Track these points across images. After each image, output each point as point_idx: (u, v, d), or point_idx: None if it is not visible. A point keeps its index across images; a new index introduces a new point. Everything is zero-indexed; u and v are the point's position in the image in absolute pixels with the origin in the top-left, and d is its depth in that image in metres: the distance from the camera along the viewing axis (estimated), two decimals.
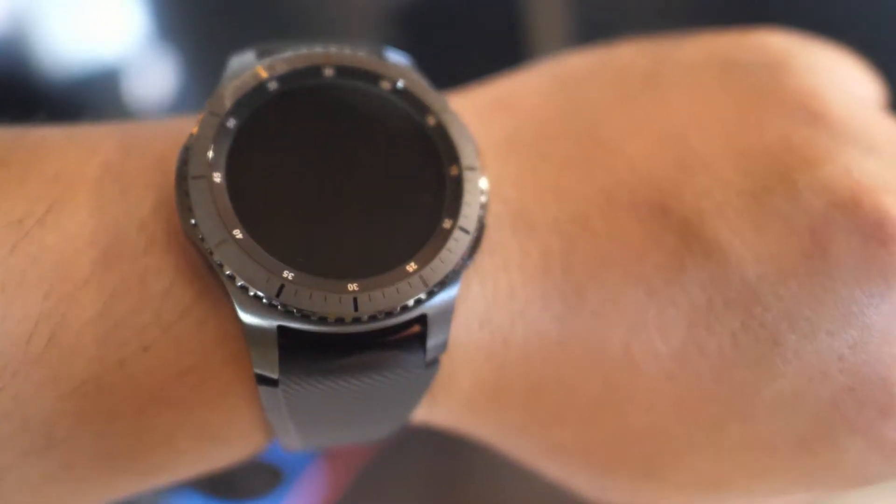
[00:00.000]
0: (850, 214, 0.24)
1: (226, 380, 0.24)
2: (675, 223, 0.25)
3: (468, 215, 0.24)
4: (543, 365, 0.26)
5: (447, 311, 0.24)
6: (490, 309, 0.25)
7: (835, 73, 0.28)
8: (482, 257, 0.26)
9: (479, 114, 0.28)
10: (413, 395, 0.25)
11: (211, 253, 0.22)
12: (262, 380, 0.23)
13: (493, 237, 0.26)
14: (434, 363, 0.25)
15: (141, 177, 0.24)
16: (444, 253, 0.24)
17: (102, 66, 0.60)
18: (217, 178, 0.23)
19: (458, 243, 0.24)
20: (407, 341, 0.24)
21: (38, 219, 0.23)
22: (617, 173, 0.26)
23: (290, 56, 0.25)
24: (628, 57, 0.30)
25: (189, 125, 0.26)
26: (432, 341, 0.24)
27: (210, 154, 0.23)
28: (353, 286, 0.23)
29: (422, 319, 0.24)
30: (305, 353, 0.23)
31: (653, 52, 0.30)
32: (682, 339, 0.25)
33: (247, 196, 0.23)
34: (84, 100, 0.59)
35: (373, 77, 0.25)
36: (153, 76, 0.60)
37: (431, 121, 0.25)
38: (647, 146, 0.27)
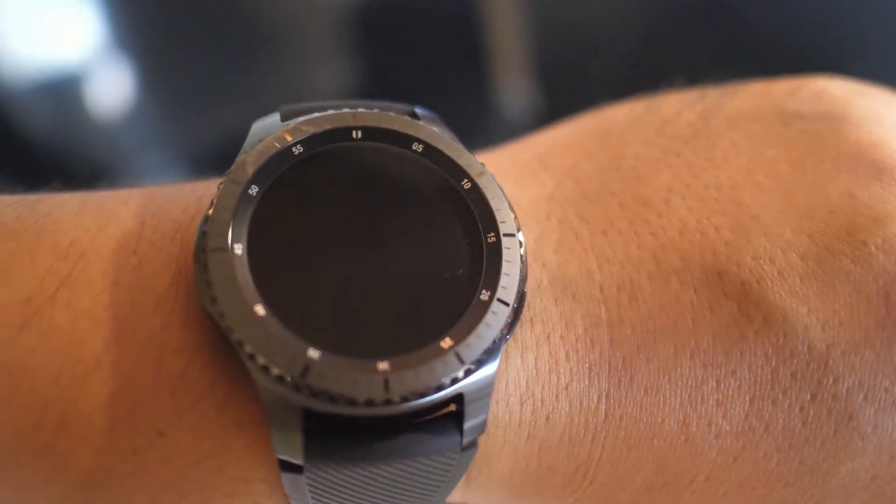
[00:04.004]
0: None
1: (247, 466, 0.22)
2: (732, 290, 0.24)
3: (507, 286, 0.22)
4: (591, 444, 0.24)
5: (485, 390, 0.22)
6: (532, 383, 0.24)
7: None
8: (523, 328, 0.24)
9: (517, 174, 0.27)
10: (448, 481, 0.23)
11: (231, 330, 0.21)
12: (286, 466, 0.22)
13: (534, 305, 0.24)
14: (471, 446, 0.23)
15: (157, 248, 0.23)
16: (481, 327, 0.22)
17: (62, 72, 0.60)
18: (238, 250, 0.21)
19: (496, 317, 0.22)
20: (442, 423, 0.22)
21: (50, 295, 0.22)
22: (666, 236, 0.25)
23: (316, 118, 0.23)
24: (673, 109, 0.28)
25: (209, 189, 0.25)
26: (469, 423, 0.22)
27: (230, 225, 0.22)
28: (383, 365, 0.21)
29: (458, 398, 0.22)
30: (332, 437, 0.21)
31: (699, 104, 0.28)
32: (744, 414, 0.24)
33: (269, 269, 0.22)
34: (44, 106, 0.58)
35: (403, 139, 0.24)
36: (113, 82, 0.60)
37: (466, 185, 0.23)
38: (696, 206, 0.25)
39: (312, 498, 0.22)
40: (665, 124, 0.28)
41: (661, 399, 0.24)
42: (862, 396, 0.23)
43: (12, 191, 0.25)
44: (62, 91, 0.58)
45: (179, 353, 0.22)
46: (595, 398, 0.24)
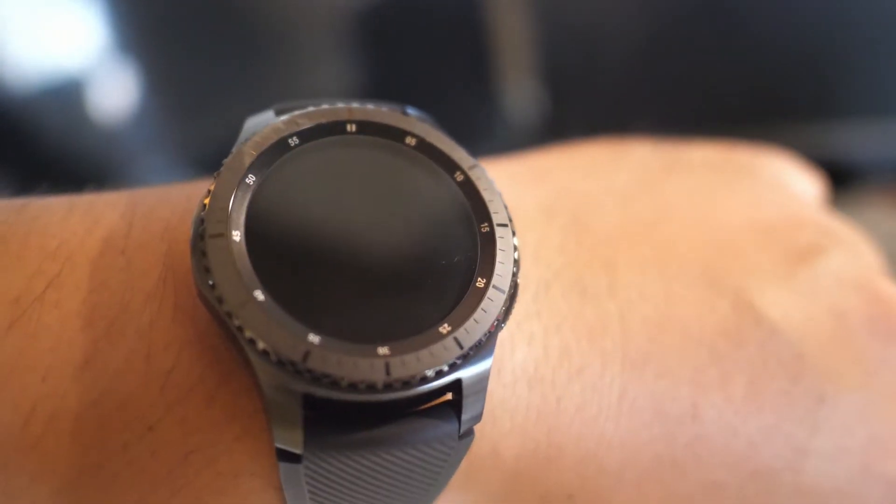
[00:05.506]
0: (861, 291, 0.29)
1: (237, 459, 0.22)
2: (726, 292, 0.27)
3: (502, 274, 0.23)
4: (604, 424, 0.25)
5: (483, 376, 0.22)
6: (541, 368, 0.25)
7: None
8: (529, 320, 0.25)
9: (513, 181, 0.28)
10: (445, 471, 0.23)
11: (230, 315, 0.21)
12: (284, 455, 0.21)
13: (541, 300, 0.25)
14: (468, 434, 0.23)
15: (146, 248, 0.23)
16: (478, 313, 0.22)
17: (65, 76, 0.59)
18: (236, 236, 0.21)
19: (492, 303, 0.22)
20: (439, 411, 0.22)
21: (37, 296, 0.22)
22: (662, 248, 0.28)
23: (312, 111, 0.24)
24: (645, 152, 0.32)
25: (199, 188, 0.25)
26: (467, 410, 0.22)
27: (228, 212, 0.22)
28: (383, 350, 0.21)
29: (455, 387, 0.22)
30: (331, 425, 0.21)
31: (665, 149, 0.33)
32: (742, 395, 0.26)
33: (267, 256, 0.22)
34: (47, 110, 0.58)
35: (397, 133, 0.24)
36: (116, 85, 0.59)
37: (459, 177, 0.24)
38: (679, 228, 0.29)
39: (309, 489, 0.22)
40: (641, 162, 0.32)
41: (672, 383, 0.26)
42: (828, 381, 0.27)
43: (6, 194, 0.25)
44: (65, 95, 0.58)
45: (168, 348, 0.22)
46: (608, 381, 0.25)
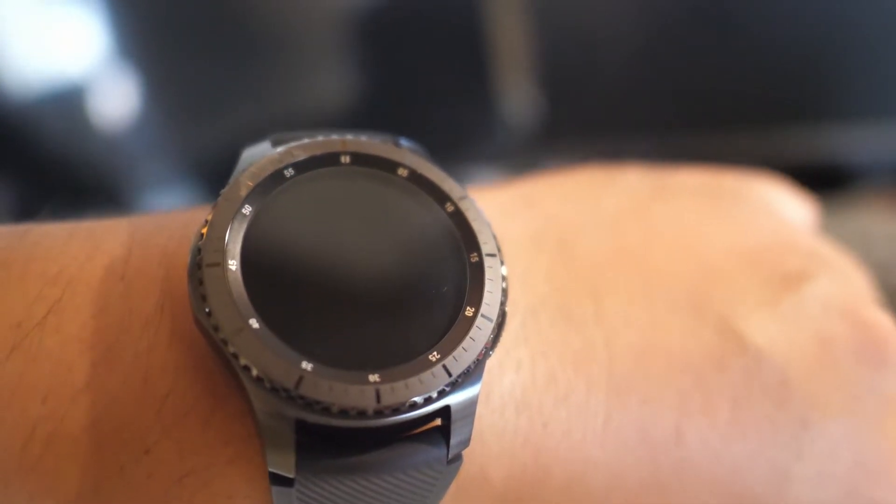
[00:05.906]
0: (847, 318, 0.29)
1: (231, 482, 0.23)
2: (711, 318, 0.28)
3: (490, 303, 0.24)
4: (590, 448, 0.26)
5: (471, 402, 0.23)
6: (528, 394, 0.25)
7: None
8: (517, 347, 0.25)
9: (502, 209, 0.29)
10: (434, 494, 0.24)
11: (225, 342, 0.21)
12: (277, 479, 0.22)
13: (529, 327, 0.26)
14: (457, 459, 0.23)
15: (144, 274, 0.24)
16: (467, 341, 0.23)
17: (65, 83, 0.60)
18: (232, 265, 0.22)
19: (480, 331, 0.23)
20: (428, 436, 0.23)
21: (39, 321, 0.23)
22: (649, 274, 0.28)
23: (307, 143, 0.25)
24: (632, 179, 0.33)
25: (196, 216, 0.26)
26: (456, 435, 0.23)
27: (225, 242, 0.22)
28: (374, 377, 0.22)
29: (444, 413, 0.23)
30: (323, 450, 0.22)
31: (654, 175, 0.33)
32: (726, 421, 0.27)
33: (262, 285, 0.22)
34: (48, 117, 0.58)
35: (389, 164, 0.25)
36: (117, 92, 0.60)
37: (449, 208, 0.25)
38: (666, 255, 0.30)
39: None
40: (629, 187, 0.32)
41: (657, 409, 0.26)
42: (813, 407, 0.28)
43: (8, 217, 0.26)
44: (66, 101, 0.58)
45: (165, 372, 0.23)
46: (594, 407, 0.26)
